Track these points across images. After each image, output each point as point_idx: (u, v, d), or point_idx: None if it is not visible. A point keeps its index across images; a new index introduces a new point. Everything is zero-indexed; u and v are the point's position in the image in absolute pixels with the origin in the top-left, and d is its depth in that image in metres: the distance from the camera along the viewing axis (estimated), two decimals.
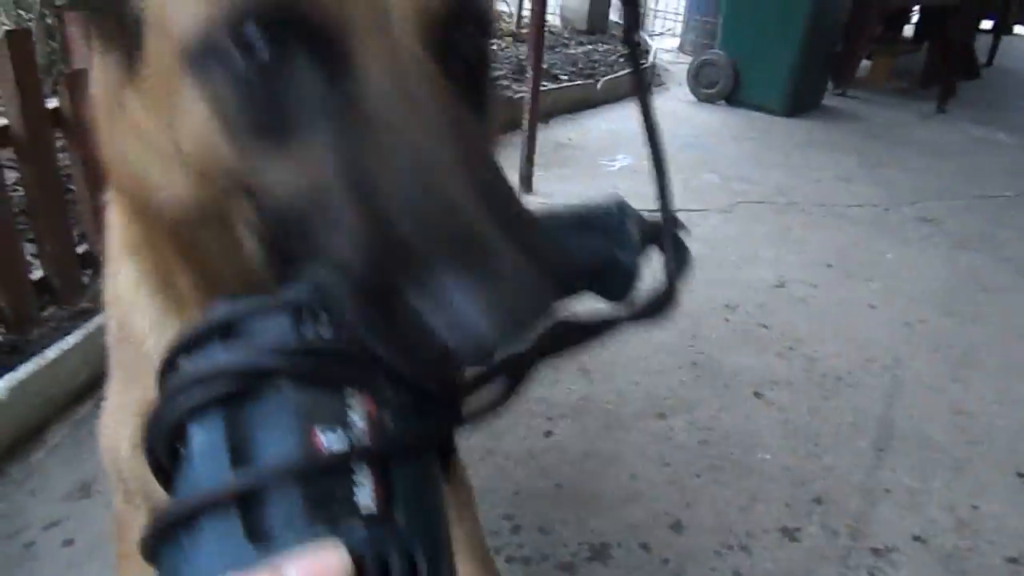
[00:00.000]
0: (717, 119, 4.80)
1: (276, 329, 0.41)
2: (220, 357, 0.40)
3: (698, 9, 6.05)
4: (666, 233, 0.61)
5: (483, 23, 0.57)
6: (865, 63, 5.96)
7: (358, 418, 0.39)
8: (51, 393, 1.75)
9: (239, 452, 0.37)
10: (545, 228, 0.51)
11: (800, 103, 4.95)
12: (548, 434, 1.84)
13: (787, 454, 1.84)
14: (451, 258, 0.40)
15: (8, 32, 1.67)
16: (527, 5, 6.07)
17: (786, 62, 4.74)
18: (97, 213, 2.02)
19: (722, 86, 4.94)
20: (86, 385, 1.84)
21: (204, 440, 0.38)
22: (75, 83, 1.86)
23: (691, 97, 5.07)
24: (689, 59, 5.64)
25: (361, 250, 0.44)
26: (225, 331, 0.41)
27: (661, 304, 0.57)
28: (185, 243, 0.60)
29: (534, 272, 0.41)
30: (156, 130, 0.54)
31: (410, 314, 0.40)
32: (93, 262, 2.06)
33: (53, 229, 1.90)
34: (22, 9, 2.72)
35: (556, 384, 2.01)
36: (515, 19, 5.77)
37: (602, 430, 1.88)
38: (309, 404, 0.38)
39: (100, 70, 0.59)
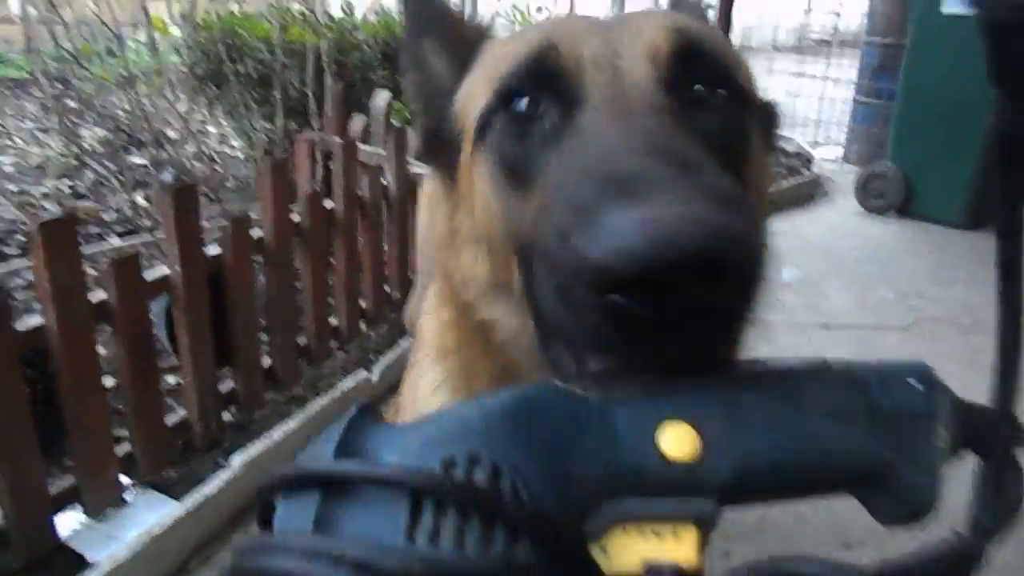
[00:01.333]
0: (890, 232, 4.64)
1: (384, 522, 0.34)
2: (308, 541, 0.33)
3: (864, 119, 5.96)
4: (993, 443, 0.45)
5: (719, 69, 0.60)
6: None
7: None
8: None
9: None
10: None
11: (983, 214, 4.68)
12: (726, 554, 1.82)
13: None
14: (618, 196, 0.40)
15: (274, 161, 2.01)
16: None
17: (966, 170, 4.54)
18: (317, 312, 2.31)
19: (893, 197, 4.79)
20: None
21: None
22: (313, 202, 2.19)
23: (859, 208, 4.95)
24: (854, 169, 5.53)
25: (558, 247, 0.43)
26: (332, 486, 0.35)
27: (959, 559, 0.44)
28: (488, 334, 0.68)
29: (704, 203, 0.39)
30: (469, 223, 0.66)
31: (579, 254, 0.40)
32: (309, 354, 2.34)
33: (282, 324, 2.19)
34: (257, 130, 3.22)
35: None
36: None
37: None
38: None
39: (440, 206, 0.74)
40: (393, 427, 0.39)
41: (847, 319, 3.27)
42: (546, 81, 0.58)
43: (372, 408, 0.40)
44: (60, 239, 1.50)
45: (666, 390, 0.41)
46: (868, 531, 1.91)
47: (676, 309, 0.39)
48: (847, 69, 6.60)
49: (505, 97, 0.60)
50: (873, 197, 4.89)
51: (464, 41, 0.75)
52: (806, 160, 5.87)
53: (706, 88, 0.59)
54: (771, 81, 7.04)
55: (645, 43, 0.59)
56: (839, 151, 6.31)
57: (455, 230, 0.70)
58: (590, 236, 0.39)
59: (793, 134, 6.59)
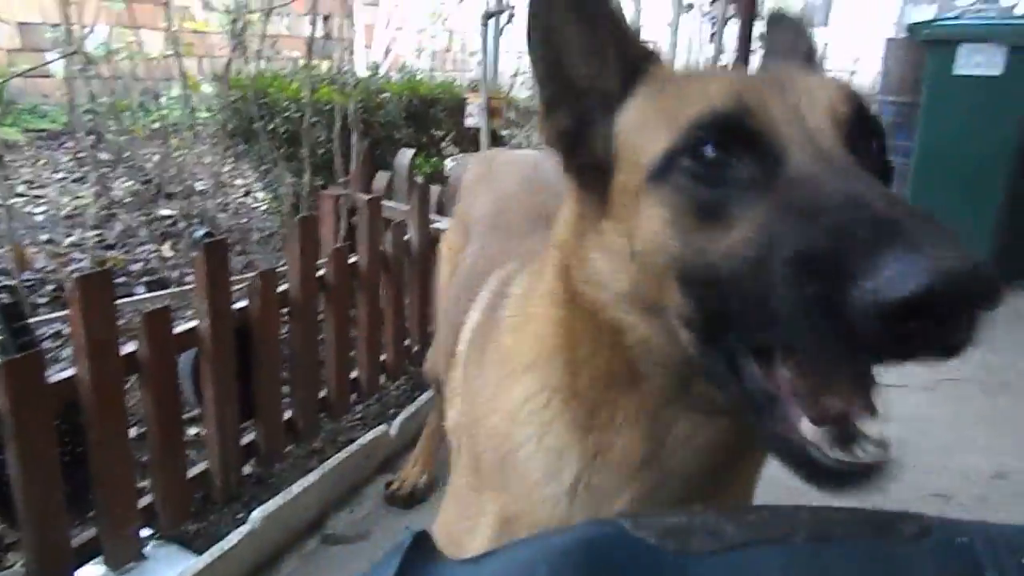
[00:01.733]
0: None
1: None
2: None
3: None
4: None
5: (878, 130, 0.70)
6: None
7: None
8: (290, 525, 1.96)
9: None
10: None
11: (1003, 272, 4.66)
12: None
13: None
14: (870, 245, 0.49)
15: (303, 218, 2.06)
16: None
17: (985, 227, 4.54)
18: (339, 366, 2.33)
19: None
20: (317, 520, 2.05)
21: None
22: (339, 258, 2.23)
23: None
24: None
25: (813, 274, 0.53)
26: None
27: None
28: (615, 335, 0.73)
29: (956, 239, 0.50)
30: (618, 239, 0.71)
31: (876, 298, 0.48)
32: (330, 407, 2.35)
33: (304, 377, 2.21)
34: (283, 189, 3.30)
35: None
36: None
37: None
38: None
39: (571, 208, 0.79)
40: (449, 568, 0.38)
41: None
42: (743, 137, 0.64)
43: (426, 539, 0.40)
44: (96, 293, 1.54)
45: (749, 543, 0.38)
46: None
47: (950, 326, 0.50)
48: None
49: (695, 143, 0.65)
50: None
51: (627, 55, 0.75)
52: None
53: (870, 144, 0.68)
54: None
55: (826, 107, 0.66)
56: None
57: (591, 238, 0.74)
58: (889, 276, 0.48)
59: None
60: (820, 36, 11.93)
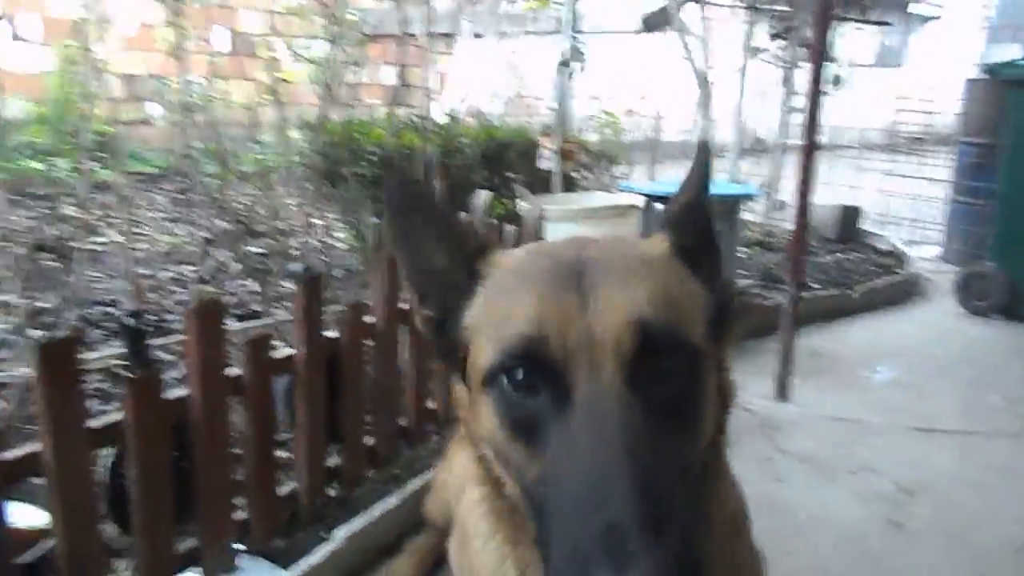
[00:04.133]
0: (993, 334, 4.44)
1: None
2: None
3: (963, 218, 5.82)
4: None
5: (677, 353, 0.75)
6: None
7: None
8: (370, 545, 2.05)
9: None
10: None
11: None
12: None
13: None
14: (600, 551, 0.60)
15: (388, 255, 2.19)
16: (772, 214, 6.29)
17: None
18: (417, 396, 2.43)
19: (997, 299, 4.62)
20: (395, 543, 2.13)
21: None
22: None
23: (959, 309, 4.78)
24: (953, 268, 5.38)
25: (561, 532, 0.67)
26: None
27: None
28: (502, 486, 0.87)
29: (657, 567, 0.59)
30: (476, 426, 0.84)
31: None
32: (408, 435, 2.45)
33: (387, 404, 2.32)
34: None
35: None
36: (762, 228, 6.00)
37: None
38: None
39: (456, 378, 0.91)
40: None
41: (950, 423, 3.13)
42: (541, 366, 0.74)
43: None
44: (208, 321, 1.69)
45: None
46: None
47: None
48: (941, 168, 6.50)
49: (509, 365, 0.76)
50: (975, 298, 4.73)
51: (466, 249, 0.87)
52: (899, 259, 5.75)
53: (664, 362, 0.75)
54: (861, 180, 7.01)
55: (613, 339, 0.73)
56: (936, 250, 6.15)
57: (470, 408, 0.86)
58: None
59: (886, 232, 6.48)
60: (894, 78, 11.65)
